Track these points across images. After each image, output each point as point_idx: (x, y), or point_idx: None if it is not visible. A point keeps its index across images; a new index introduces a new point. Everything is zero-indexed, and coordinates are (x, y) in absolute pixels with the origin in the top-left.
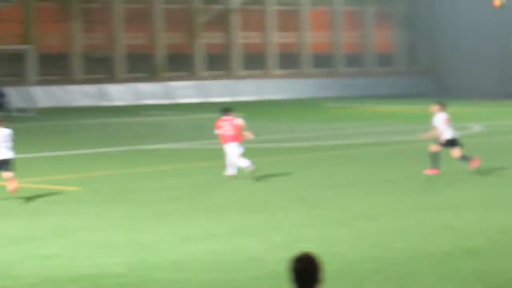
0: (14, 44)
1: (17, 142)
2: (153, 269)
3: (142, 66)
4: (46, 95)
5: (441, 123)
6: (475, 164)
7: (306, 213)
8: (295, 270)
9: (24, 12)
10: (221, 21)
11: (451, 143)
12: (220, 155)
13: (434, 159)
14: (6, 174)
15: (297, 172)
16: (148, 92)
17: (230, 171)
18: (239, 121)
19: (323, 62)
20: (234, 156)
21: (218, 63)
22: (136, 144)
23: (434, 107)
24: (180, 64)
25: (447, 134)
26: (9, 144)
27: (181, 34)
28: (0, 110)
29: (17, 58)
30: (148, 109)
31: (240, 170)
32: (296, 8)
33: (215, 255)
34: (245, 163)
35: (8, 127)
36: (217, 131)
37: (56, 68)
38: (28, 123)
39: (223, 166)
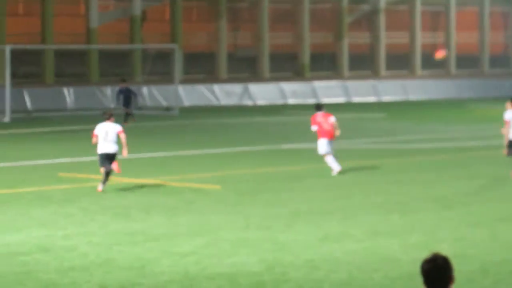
0: (160, 43)
1: (160, 141)
2: (289, 268)
3: (286, 66)
4: (190, 94)
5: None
6: None
7: (442, 214)
8: (423, 272)
9: (171, 11)
10: (367, 21)
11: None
12: (359, 155)
13: None
14: (111, 166)
15: (435, 173)
16: (292, 92)
17: (337, 168)
18: (332, 118)
19: (469, 62)
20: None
21: (363, 63)
22: (278, 143)
23: (508, 104)
24: (324, 64)
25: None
26: (115, 139)
27: (327, 33)
28: (127, 106)
29: (162, 57)
30: (291, 109)
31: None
32: (443, 8)
33: (350, 255)
34: (335, 166)
35: (116, 123)
36: (314, 127)
37: (201, 67)
38: (171, 122)
39: (362, 167)
